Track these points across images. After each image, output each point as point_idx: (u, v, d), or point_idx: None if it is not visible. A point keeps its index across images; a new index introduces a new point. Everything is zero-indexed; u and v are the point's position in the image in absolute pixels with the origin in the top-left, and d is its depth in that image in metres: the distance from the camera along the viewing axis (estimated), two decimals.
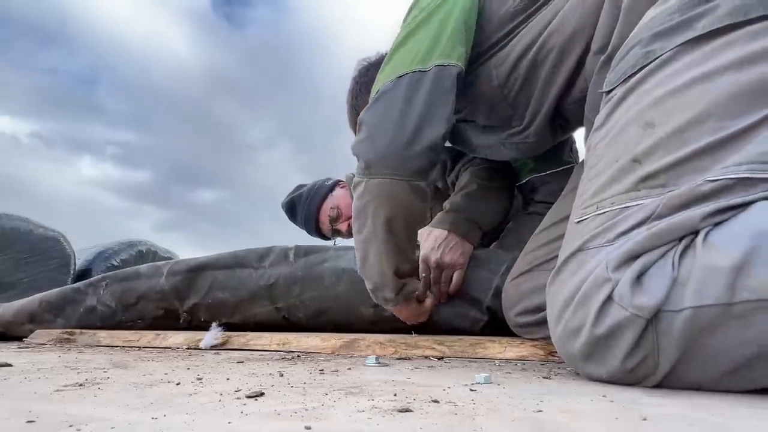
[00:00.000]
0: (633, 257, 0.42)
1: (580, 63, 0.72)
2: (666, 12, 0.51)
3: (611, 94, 0.54)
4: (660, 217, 0.43)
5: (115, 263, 2.69)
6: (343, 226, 1.40)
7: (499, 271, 0.86)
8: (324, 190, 1.42)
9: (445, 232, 0.88)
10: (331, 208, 1.38)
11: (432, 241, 0.88)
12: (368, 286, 0.77)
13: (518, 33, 0.76)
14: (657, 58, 0.49)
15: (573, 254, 0.48)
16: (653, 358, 0.40)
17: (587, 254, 0.46)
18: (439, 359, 0.66)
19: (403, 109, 0.69)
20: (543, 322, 0.68)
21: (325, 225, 1.40)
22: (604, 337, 0.42)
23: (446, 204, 0.95)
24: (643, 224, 0.43)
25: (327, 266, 0.91)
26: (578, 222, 0.50)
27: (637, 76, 0.50)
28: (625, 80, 0.52)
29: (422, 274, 0.87)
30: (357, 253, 0.75)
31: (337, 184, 1.44)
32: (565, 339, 0.46)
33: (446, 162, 1.12)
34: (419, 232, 0.93)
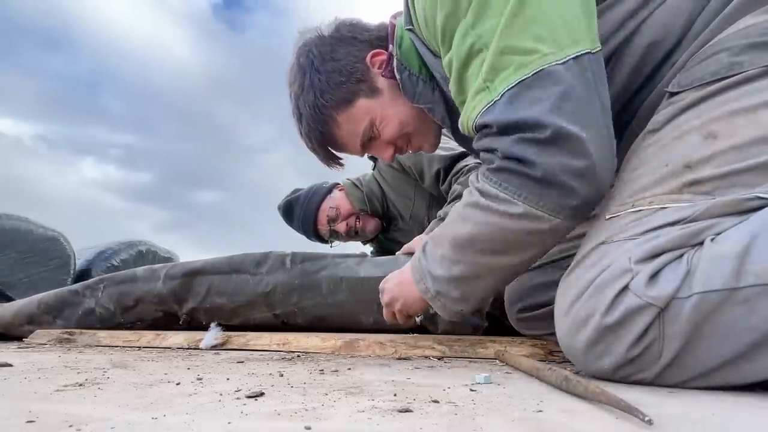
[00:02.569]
0: (659, 253, 0.43)
1: (651, 75, 0.58)
2: (767, 24, 0.48)
3: (676, 98, 0.51)
4: (695, 221, 0.43)
5: (115, 263, 2.69)
6: (341, 227, 1.40)
7: None
8: (323, 191, 1.42)
9: None
10: (330, 207, 1.38)
11: None
12: (458, 304, 0.61)
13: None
14: (742, 72, 0.46)
15: (595, 247, 0.48)
16: (658, 345, 0.41)
17: (610, 246, 0.47)
18: (439, 359, 0.66)
19: (602, 117, 0.50)
20: (545, 318, 0.68)
21: (324, 225, 1.40)
22: (613, 325, 0.42)
23: (440, 213, 0.95)
24: (676, 224, 0.44)
25: (324, 274, 0.91)
26: (609, 218, 0.50)
27: (715, 86, 0.48)
28: (700, 86, 0.49)
29: None
30: (467, 268, 0.58)
31: (335, 186, 1.45)
32: (573, 330, 0.46)
33: (439, 171, 1.12)
34: (416, 239, 0.94)
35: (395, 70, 0.71)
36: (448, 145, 1.19)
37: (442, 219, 0.92)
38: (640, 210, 0.47)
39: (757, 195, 0.42)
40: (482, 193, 0.54)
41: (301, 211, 1.41)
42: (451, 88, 0.59)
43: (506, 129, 0.50)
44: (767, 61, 0.46)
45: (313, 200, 1.41)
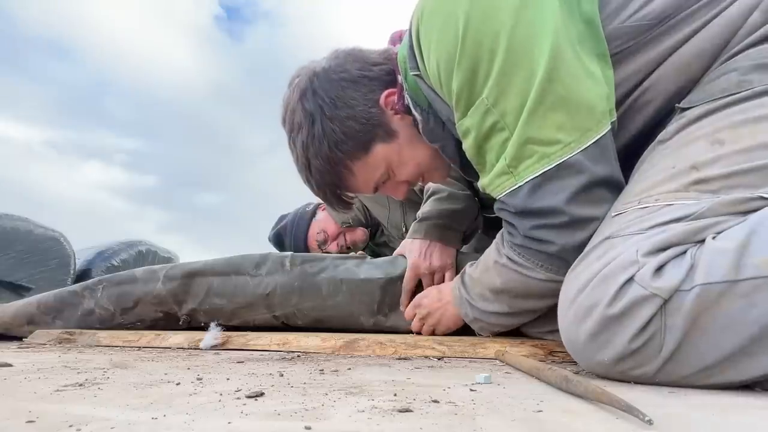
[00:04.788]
0: (666, 247, 0.43)
1: (671, 111, 0.58)
2: None
3: (687, 112, 0.53)
4: (699, 218, 0.44)
5: (115, 263, 2.69)
6: (332, 248, 1.43)
7: None
8: (307, 216, 1.45)
9: (427, 241, 0.89)
10: (317, 233, 1.41)
11: (417, 250, 0.89)
12: (493, 327, 0.73)
13: (627, 52, 0.58)
14: (750, 89, 0.49)
15: (601, 241, 0.49)
16: (659, 337, 0.41)
17: (616, 240, 0.47)
18: (439, 359, 0.66)
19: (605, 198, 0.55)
20: (546, 317, 0.69)
21: (316, 251, 1.43)
22: (617, 315, 0.42)
23: (419, 213, 0.96)
24: (681, 220, 0.44)
25: (324, 276, 0.90)
26: (615, 215, 0.51)
27: (724, 100, 0.50)
28: (709, 101, 0.51)
29: (408, 284, 0.88)
30: (501, 306, 0.68)
31: (317, 208, 1.47)
32: (576, 320, 0.46)
33: None
34: (402, 243, 0.94)
35: (411, 107, 0.68)
36: None
37: (422, 219, 0.93)
38: (646, 207, 0.48)
39: (761, 195, 0.43)
40: (510, 259, 0.63)
41: (291, 241, 1.45)
42: (468, 151, 0.62)
43: (526, 214, 0.57)
44: None
45: (301, 228, 1.44)
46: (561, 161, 0.53)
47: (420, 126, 0.69)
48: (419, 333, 0.84)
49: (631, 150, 0.62)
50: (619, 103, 0.58)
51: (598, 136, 0.53)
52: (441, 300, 0.80)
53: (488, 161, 0.59)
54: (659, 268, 0.42)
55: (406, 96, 0.68)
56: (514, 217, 0.59)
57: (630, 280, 0.42)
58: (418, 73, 0.64)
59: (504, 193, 0.58)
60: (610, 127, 0.54)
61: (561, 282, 0.53)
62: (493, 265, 0.66)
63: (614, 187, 0.55)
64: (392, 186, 0.77)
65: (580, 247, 0.54)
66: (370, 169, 0.72)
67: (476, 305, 0.71)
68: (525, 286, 0.63)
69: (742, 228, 0.40)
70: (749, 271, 0.38)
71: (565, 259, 0.56)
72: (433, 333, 0.82)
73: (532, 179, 0.55)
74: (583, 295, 0.46)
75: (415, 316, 0.84)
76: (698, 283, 0.39)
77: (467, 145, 0.61)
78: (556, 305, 0.52)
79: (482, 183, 0.62)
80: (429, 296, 0.82)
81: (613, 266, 0.44)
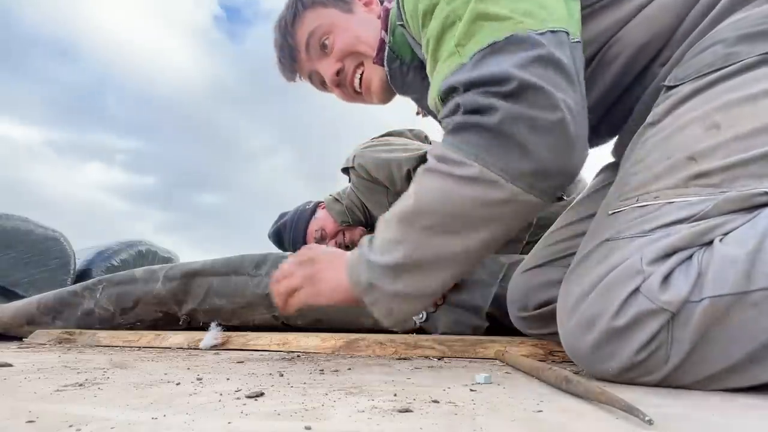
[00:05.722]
0: (671, 253, 0.42)
1: (641, 73, 0.58)
2: (758, 15, 0.49)
3: (675, 90, 0.51)
4: (704, 218, 0.42)
5: (115, 263, 2.69)
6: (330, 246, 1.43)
7: (497, 278, 0.87)
8: (306, 214, 1.46)
9: None
10: (315, 230, 1.42)
11: None
12: (391, 301, 0.52)
13: (599, 7, 0.57)
14: (739, 61, 0.47)
15: (601, 244, 0.47)
16: (666, 349, 0.40)
17: (618, 243, 0.45)
18: (439, 359, 0.66)
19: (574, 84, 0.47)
20: (546, 317, 0.68)
21: None
22: (622, 328, 0.41)
23: None
24: (685, 221, 0.43)
25: None
26: (612, 213, 0.49)
27: (712, 76, 0.48)
28: (697, 78, 0.49)
29: None
30: (409, 249, 0.49)
31: (317, 206, 1.48)
32: (578, 330, 0.45)
33: (410, 171, 1.14)
34: None
35: (385, 59, 0.72)
36: (414, 146, 1.20)
37: None
38: (645, 205, 0.46)
39: (766, 191, 0.41)
40: (437, 157, 0.49)
41: (290, 238, 1.45)
42: (428, 68, 0.56)
43: (470, 86, 0.47)
44: (762, 49, 0.46)
45: (300, 226, 1.45)
46: (511, 34, 0.46)
47: (394, 80, 0.73)
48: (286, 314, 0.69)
49: (605, 105, 0.61)
50: (589, 60, 0.57)
51: (555, 28, 0.47)
52: (328, 261, 0.60)
53: (440, 62, 0.52)
54: (666, 277, 0.40)
55: (387, 50, 0.72)
56: (457, 99, 0.48)
57: (636, 291, 0.41)
58: (402, 23, 0.65)
59: (447, 76, 0.50)
60: (568, 32, 0.48)
61: (493, 191, 0.45)
62: (413, 185, 0.51)
63: (573, 84, 0.46)
64: (327, 63, 0.80)
65: (527, 125, 0.44)
66: (315, 20, 0.79)
67: (374, 259, 0.51)
68: (446, 196, 0.47)
69: (751, 232, 0.39)
70: (761, 282, 0.37)
71: (505, 144, 0.45)
72: (292, 307, 0.61)
73: (479, 51, 0.47)
74: (585, 303, 0.44)
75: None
76: (707, 295, 0.38)
77: (427, 60, 0.56)
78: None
79: (429, 95, 0.54)
80: (315, 249, 0.63)
81: (617, 275, 0.43)
